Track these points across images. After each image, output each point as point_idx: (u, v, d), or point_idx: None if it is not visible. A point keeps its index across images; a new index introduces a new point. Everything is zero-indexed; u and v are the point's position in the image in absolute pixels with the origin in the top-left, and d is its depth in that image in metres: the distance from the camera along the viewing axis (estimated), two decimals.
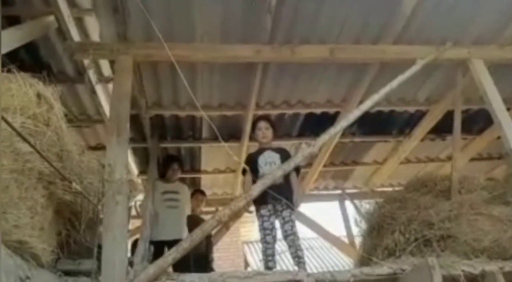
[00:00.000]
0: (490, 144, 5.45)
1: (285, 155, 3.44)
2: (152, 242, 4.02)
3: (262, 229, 3.34)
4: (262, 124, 3.68)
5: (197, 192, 5.43)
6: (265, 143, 3.64)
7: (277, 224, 3.34)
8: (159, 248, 4.03)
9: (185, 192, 4.85)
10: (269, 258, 3.28)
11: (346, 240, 6.25)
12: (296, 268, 3.07)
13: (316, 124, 4.89)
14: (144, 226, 3.98)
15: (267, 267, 3.27)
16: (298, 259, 3.13)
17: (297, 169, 3.41)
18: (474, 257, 2.89)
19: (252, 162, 3.55)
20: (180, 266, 3.05)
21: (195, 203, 5.19)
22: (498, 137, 4.75)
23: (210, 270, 4.62)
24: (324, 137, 3.21)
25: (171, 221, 4.36)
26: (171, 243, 3.40)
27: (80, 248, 2.69)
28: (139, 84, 3.92)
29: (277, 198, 3.18)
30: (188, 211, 4.77)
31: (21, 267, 1.87)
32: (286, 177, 3.28)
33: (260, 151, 3.59)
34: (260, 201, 3.34)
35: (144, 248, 3.51)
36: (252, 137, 4.88)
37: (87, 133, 4.77)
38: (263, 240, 3.33)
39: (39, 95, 2.30)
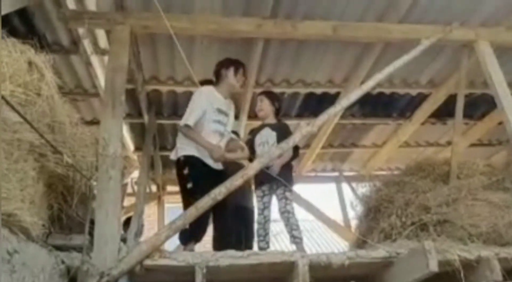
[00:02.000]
0: (491, 129, 5.41)
1: (282, 132, 3.33)
2: None
3: (257, 209, 3.34)
4: (259, 97, 3.63)
5: None
6: (262, 117, 3.58)
7: (275, 202, 3.31)
8: None
9: None
10: (260, 238, 3.28)
11: (342, 222, 6.25)
12: (292, 248, 3.05)
13: (315, 104, 4.82)
14: (139, 202, 3.94)
15: (259, 247, 3.27)
16: (294, 238, 3.12)
17: (295, 148, 3.33)
18: (470, 242, 2.87)
19: (249, 141, 3.52)
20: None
21: None
22: (499, 123, 4.73)
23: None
24: (324, 117, 3.12)
25: None
26: None
27: (72, 223, 2.65)
28: (136, 57, 3.82)
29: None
30: None
31: (8, 240, 1.82)
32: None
33: (260, 128, 3.54)
34: (256, 181, 3.31)
35: (137, 224, 3.47)
36: (250, 115, 4.83)
37: (82, 107, 4.68)
38: (256, 220, 3.35)
39: (30, 63, 2.20)
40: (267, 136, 3.42)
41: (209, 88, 3.25)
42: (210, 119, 3.15)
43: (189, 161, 3.09)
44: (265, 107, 3.54)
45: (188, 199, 2.99)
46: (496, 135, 5.73)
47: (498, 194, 3.25)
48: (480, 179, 3.46)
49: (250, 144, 3.51)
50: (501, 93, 3.49)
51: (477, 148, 5.79)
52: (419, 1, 3.52)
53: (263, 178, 3.24)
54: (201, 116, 3.10)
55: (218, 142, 3.16)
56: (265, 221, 3.30)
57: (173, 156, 3.26)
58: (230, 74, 3.27)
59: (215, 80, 3.32)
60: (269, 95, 3.64)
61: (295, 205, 3.37)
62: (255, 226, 3.39)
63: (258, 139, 3.46)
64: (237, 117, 4.84)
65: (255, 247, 3.44)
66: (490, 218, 2.99)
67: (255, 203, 3.40)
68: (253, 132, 3.60)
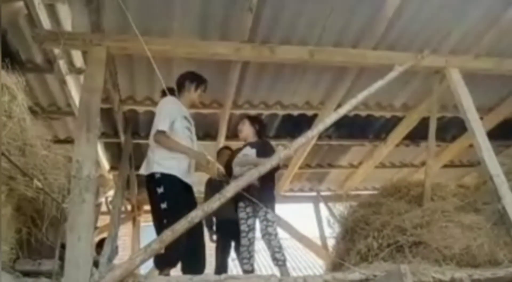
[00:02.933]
0: (462, 151, 5.56)
1: (262, 148, 3.40)
2: None
3: (241, 231, 3.32)
4: (241, 120, 3.75)
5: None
6: (242, 139, 3.67)
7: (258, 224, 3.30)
8: None
9: None
10: (244, 260, 3.25)
11: (319, 242, 6.25)
12: (275, 270, 3.02)
13: (293, 126, 4.86)
14: (113, 224, 3.84)
15: (243, 270, 3.23)
16: (277, 261, 3.09)
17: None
18: (445, 264, 2.92)
19: (230, 158, 3.63)
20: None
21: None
22: (470, 145, 4.87)
23: None
24: (301, 140, 3.16)
25: None
26: None
27: (42, 247, 2.54)
28: (113, 77, 3.79)
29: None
30: None
31: None
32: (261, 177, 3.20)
33: (241, 148, 3.60)
34: (236, 202, 3.30)
35: (111, 248, 3.37)
36: (228, 136, 4.84)
37: (56, 126, 4.59)
38: (240, 243, 3.33)
39: (1, 85, 2.15)
40: (247, 153, 3.45)
41: (173, 98, 3.28)
42: (181, 126, 3.19)
43: (167, 179, 3.01)
44: (245, 128, 3.63)
45: (161, 219, 2.94)
46: (467, 157, 5.89)
47: (470, 215, 3.33)
48: (453, 200, 3.55)
49: (230, 162, 3.54)
50: (470, 117, 3.60)
51: (449, 169, 5.93)
52: (392, 28, 3.64)
53: (242, 200, 3.25)
54: (173, 122, 3.10)
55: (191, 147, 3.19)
56: (250, 244, 3.28)
57: (143, 170, 3.17)
58: (192, 88, 3.35)
59: (177, 91, 3.37)
60: (250, 117, 3.77)
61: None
62: (240, 248, 3.36)
63: (236, 159, 3.50)
64: (214, 138, 4.86)
65: (240, 270, 3.40)
66: (463, 240, 3.05)
67: (240, 226, 3.36)
68: (236, 151, 3.67)
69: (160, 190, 3.01)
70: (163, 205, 2.97)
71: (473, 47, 3.90)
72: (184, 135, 3.18)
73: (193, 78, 3.37)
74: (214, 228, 4.15)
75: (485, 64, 3.97)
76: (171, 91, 3.33)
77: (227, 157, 4.06)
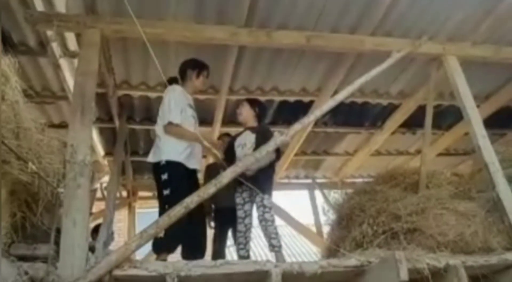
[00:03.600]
0: (457, 139, 5.59)
1: (262, 134, 3.32)
2: None
3: (237, 217, 3.32)
4: (241, 103, 3.69)
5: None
6: (242, 122, 3.62)
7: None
8: None
9: None
10: (240, 246, 3.26)
11: (314, 229, 6.29)
12: (270, 257, 3.03)
13: (289, 112, 4.85)
14: (108, 209, 3.83)
15: (239, 256, 3.24)
16: (273, 247, 3.09)
17: (277, 150, 3.27)
18: (439, 251, 2.94)
19: (230, 144, 3.57)
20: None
21: None
22: (466, 134, 4.89)
23: None
24: (297, 126, 3.14)
25: None
26: None
27: (37, 232, 2.54)
28: (107, 61, 3.73)
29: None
30: None
31: None
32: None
33: (241, 132, 3.56)
34: (235, 184, 3.29)
35: (106, 233, 3.37)
36: (224, 121, 4.81)
37: (50, 110, 4.53)
38: (237, 228, 3.32)
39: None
40: (245, 139, 3.43)
41: (179, 87, 3.31)
42: (188, 115, 3.25)
43: (171, 166, 3.08)
44: (244, 111, 3.57)
45: (163, 205, 3.01)
46: (462, 145, 5.92)
47: (464, 203, 3.35)
48: (447, 188, 3.57)
49: (231, 146, 3.51)
50: (467, 105, 3.61)
51: (444, 157, 5.96)
52: (390, 14, 3.61)
53: (239, 186, 3.25)
54: (181, 112, 3.16)
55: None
56: (246, 230, 3.27)
57: (151, 158, 3.23)
58: (194, 75, 3.36)
59: (180, 79, 3.39)
60: (250, 100, 3.68)
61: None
62: (237, 234, 3.37)
63: (237, 141, 3.49)
64: (210, 123, 4.83)
65: (236, 257, 3.42)
66: (457, 227, 3.08)
67: (237, 211, 3.36)
68: (235, 136, 3.63)
69: (164, 176, 3.07)
70: (166, 192, 3.03)
71: (470, 35, 3.88)
72: (190, 124, 3.24)
73: (194, 66, 3.38)
74: (213, 215, 4.17)
75: (483, 51, 3.96)
76: (175, 80, 3.36)
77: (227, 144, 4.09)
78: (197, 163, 3.30)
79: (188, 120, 3.23)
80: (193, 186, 3.19)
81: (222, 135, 4.41)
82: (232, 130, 4.59)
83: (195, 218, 3.00)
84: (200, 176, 4.29)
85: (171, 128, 3.11)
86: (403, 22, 3.71)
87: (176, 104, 3.15)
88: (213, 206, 4.16)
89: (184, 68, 3.38)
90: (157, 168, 3.13)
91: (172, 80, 3.36)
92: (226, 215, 3.72)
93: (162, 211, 2.98)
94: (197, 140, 3.16)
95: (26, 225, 2.49)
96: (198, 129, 3.42)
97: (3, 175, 2.17)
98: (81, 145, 2.65)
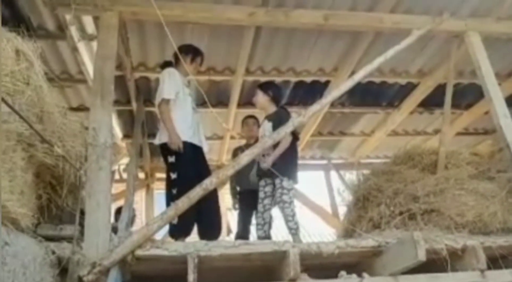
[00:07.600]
0: (477, 119, 5.49)
1: (278, 120, 3.29)
2: None
3: (258, 198, 3.38)
4: (254, 91, 3.66)
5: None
6: (260, 109, 3.64)
7: None
8: None
9: None
10: (258, 226, 3.32)
11: (329, 209, 6.32)
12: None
13: (305, 93, 4.81)
14: (129, 191, 3.91)
15: (257, 236, 3.31)
16: (290, 230, 3.14)
17: (292, 133, 3.24)
18: (457, 232, 2.94)
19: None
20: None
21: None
22: (486, 113, 4.80)
23: None
24: (315, 107, 3.13)
25: None
26: None
27: (62, 213, 2.61)
28: (125, 43, 3.74)
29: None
30: None
31: None
32: (276, 145, 3.19)
33: (263, 121, 3.57)
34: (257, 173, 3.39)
35: (128, 214, 3.45)
36: (240, 103, 4.81)
37: (68, 94, 4.59)
38: (257, 209, 3.39)
39: (18, 52, 2.14)
40: (264, 129, 3.44)
41: (173, 69, 3.35)
42: (185, 94, 3.30)
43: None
44: (259, 98, 3.55)
45: (170, 188, 3.05)
46: (482, 125, 5.81)
47: (483, 183, 3.32)
48: (466, 168, 3.52)
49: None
50: (488, 83, 3.53)
51: (463, 136, 5.87)
52: None
53: (260, 171, 3.32)
54: (178, 93, 3.21)
55: (193, 118, 3.31)
56: (264, 211, 3.32)
57: (157, 140, 3.28)
58: (188, 60, 3.37)
59: (174, 62, 3.41)
60: (261, 86, 3.65)
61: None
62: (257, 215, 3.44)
63: (260, 132, 3.53)
64: (226, 105, 4.84)
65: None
66: (475, 208, 3.06)
67: (259, 192, 3.43)
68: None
69: (171, 159, 3.10)
70: (173, 175, 3.07)
71: (494, 10, 3.75)
72: (186, 103, 3.29)
73: (188, 51, 3.40)
74: (238, 196, 4.25)
75: (507, 27, 3.82)
76: (169, 64, 3.41)
77: (252, 127, 4.18)
78: (201, 142, 3.37)
79: (184, 100, 3.28)
80: (202, 163, 3.28)
81: (246, 118, 4.40)
82: (248, 111, 4.60)
83: (208, 196, 3.01)
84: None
85: (161, 106, 3.17)
86: None
87: (172, 84, 3.20)
88: (237, 188, 4.24)
89: (179, 52, 3.30)
90: (164, 150, 3.17)
91: (166, 64, 3.40)
92: (249, 197, 3.77)
93: (169, 194, 3.03)
94: (168, 131, 3.11)
95: (51, 207, 2.56)
96: (196, 109, 3.47)
97: (29, 158, 2.24)
98: (102, 128, 2.69)
